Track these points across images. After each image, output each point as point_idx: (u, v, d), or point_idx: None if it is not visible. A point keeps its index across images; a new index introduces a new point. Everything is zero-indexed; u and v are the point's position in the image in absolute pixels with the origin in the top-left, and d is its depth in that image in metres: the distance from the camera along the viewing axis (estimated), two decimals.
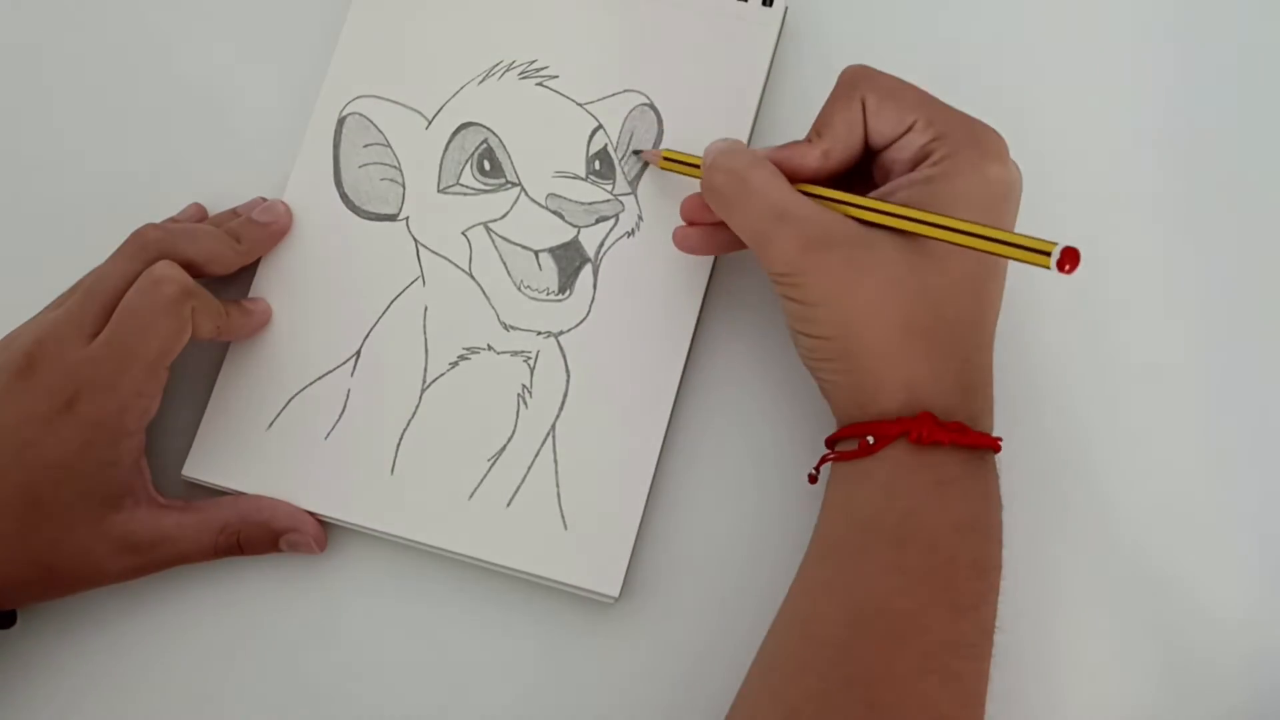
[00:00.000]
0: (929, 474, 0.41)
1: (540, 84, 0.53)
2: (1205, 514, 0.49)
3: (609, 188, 0.52)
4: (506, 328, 0.51)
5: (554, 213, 0.52)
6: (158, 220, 0.51)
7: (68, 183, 0.55)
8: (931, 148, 0.43)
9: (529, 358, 0.50)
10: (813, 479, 0.46)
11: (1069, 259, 0.36)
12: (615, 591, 0.47)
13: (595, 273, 0.51)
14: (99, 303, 0.46)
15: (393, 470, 0.49)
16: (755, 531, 0.49)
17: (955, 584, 0.41)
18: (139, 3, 0.57)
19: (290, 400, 0.50)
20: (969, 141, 0.43)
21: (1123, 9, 0.55)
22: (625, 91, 0.53)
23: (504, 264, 0.51)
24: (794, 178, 0.44)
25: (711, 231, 0.48)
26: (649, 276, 0.51)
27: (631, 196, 0.52)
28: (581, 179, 0.52)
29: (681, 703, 0.48)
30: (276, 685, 0.49)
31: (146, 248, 0.47)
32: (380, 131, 0.53)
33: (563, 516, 0.49)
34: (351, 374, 0.51)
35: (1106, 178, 0.53)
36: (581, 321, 0.51)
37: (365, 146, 0.53)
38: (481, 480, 0.49)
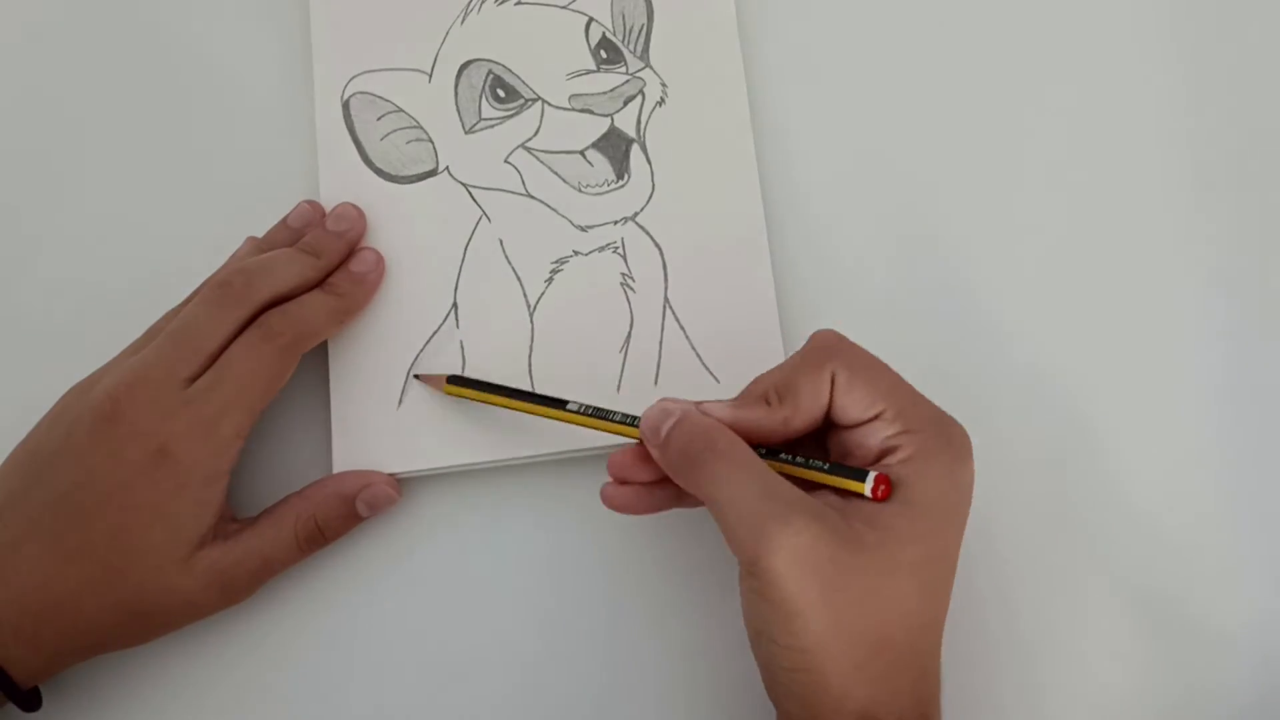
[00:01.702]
0: None
1: (519, 3, 0.54)
2: (1208, 517, 0.49)
3: (623, 70, 0.53)
4: (584, 229, 0.51)
5: (582, 111, 0.52)
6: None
7: (88, 203, 0.55)
8: (898, 442, 0.41)
9: (616, 247, 0.51)
10: None
11: (881, 483, 0.40)
12: None
13: (644, 149, 0.52)
14: (195, 350, 0.46)
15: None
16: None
17: None
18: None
19: (409, 372, 0.50)
20: (939, 442, 0.41)
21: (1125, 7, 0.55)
22: None
23: (556, 174, 0.52)
24: (749, 441, 0.41)
25: (647, 490, 0.44)
26: (695, 131, 0.52)
27: (648, 69, 0.53)
28: (594, 71, 0.53)
29: None
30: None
31: (234, 295, 0.47)
32: (388, 100, 0.53)
33: (710, 373, 0.49)
34: (457, 326, 0.51)
35: (1110, 174, 0.53)
36: (651, 196, 0.52)
37: (379, 119, 0.53)
38: (622, 370, 0.50)
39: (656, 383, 0.50)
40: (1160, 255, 0.52)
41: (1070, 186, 0.53)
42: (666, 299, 0.50)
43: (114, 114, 0.55)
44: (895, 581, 0.39)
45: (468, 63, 0.53)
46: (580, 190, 0.52)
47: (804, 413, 0.41)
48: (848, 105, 0.54)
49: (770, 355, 0.49)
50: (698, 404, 0.42)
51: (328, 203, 0.52)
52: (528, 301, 0.51)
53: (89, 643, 0.46)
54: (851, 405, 0.41)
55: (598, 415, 0.45)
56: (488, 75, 0.53)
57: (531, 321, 0.51)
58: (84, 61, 0.56)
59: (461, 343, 0.51)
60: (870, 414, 0.41)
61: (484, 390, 0.48)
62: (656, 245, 0.51)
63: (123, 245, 0.54)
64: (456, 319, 0.51)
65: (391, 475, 0.49)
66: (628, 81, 0.53)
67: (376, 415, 0.50)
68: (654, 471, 0.43)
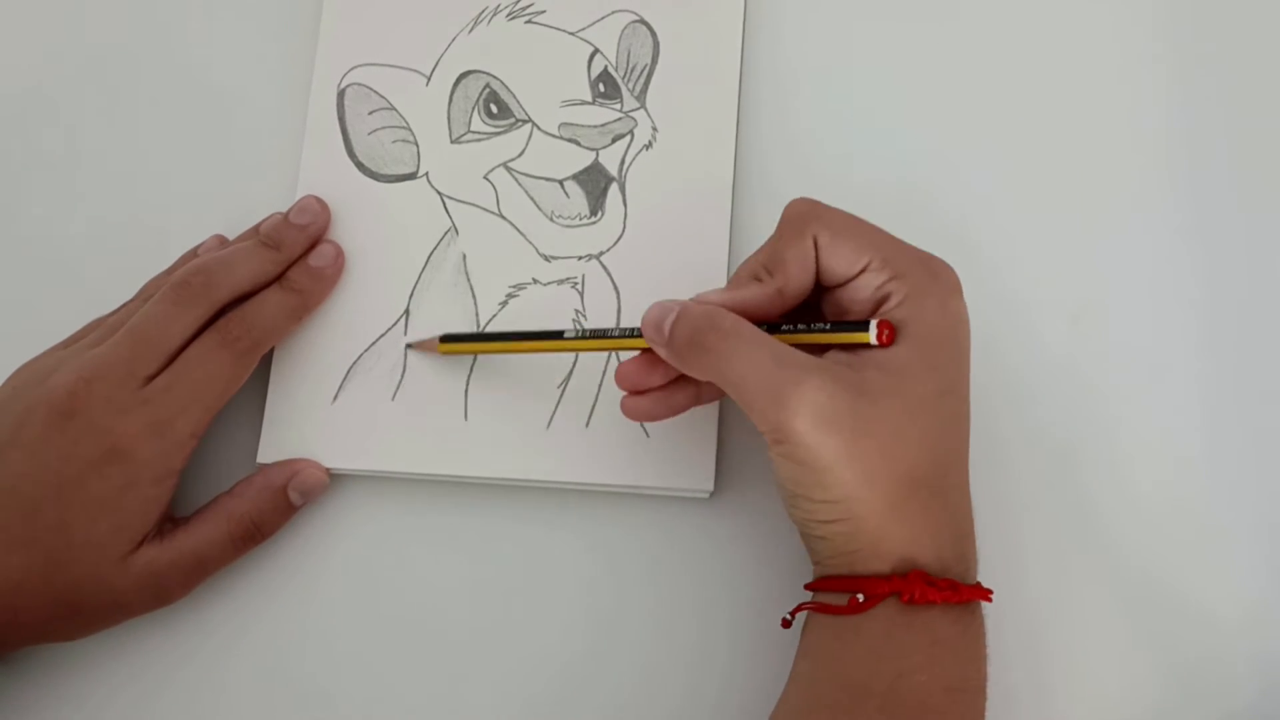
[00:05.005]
0: (922, 635, 0.40)
1: (529, 21, 0.54)
2: (1207, 514, 0.49)
3: (617, 106, 0.53)
4: (547, 259, 0.51)
5: (569, 140, 0.52)
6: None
7: (72, 188, 0.55)
8: (890, 289, 0.41)
9: (575, 283, 0.51)
10: (786, 624, 0.44)
11: (884, 328, 0.41)
12: (709, 486, 0.48)
13: (623, 189, 0.52)
14: (154, 349, 0.47)
15: (466, 416, 0.50)
16: None
17: None
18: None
19: (349, 370, 0.51)
20: (928, 279, 0.42)
21: (1124, 8, 0.54)
22: (615, 12, 0.54)
23: (531, 199, 0.52)
24: (749, 319, 0.42)
25: (663, 396, 0.45)
26: (675, 181, 0.52)
27: (642, 110, 0.53)
28: (589, 103, 0.53)
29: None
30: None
31: (194, 295, 0.48)
32: (382, 96, 0.53)
33: (643, 426, 0.49)
34: (405, 333, 0.51)
35: (1106, 180, 0.53)
36: (619, 238, 0.51)
37: (371, 113, 0.53)
38: (556, 407, 0.50)
39: (588, 425, 0.49)
40: (1162, 253, 0.51)
41: (1066, 198, 0.52)
42: None
43: (108, 84, 0.56)
44: (915, 420, 0.40)
45: (467, 73, 0.53)
46: (552, 219, 0.52)
47: (795, 280, 0.42)
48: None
49: (706, 421, 0.49)
50: (692, 298, 0.43)
51: (304, 186, 0.53)
52: (479, 321, 0.51)
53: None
54: (838, 262, 0.42)
55: (596, 336, 0.46)
56: (484, 89, 0.53)
57: None
58: (78, 41, 0.57)
59: (406, 350, 0.51)
60: (858, 267, 0.42)
61: (478, 341, 0.49)
62: (615, 288, 0.51)
63: (103, 223, 0.55)
64: (406, 325, 0.51)
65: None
66: (620, 119, 0.52)
67: (309, 408, 0.50)
68: (664, 374, 0.44)
